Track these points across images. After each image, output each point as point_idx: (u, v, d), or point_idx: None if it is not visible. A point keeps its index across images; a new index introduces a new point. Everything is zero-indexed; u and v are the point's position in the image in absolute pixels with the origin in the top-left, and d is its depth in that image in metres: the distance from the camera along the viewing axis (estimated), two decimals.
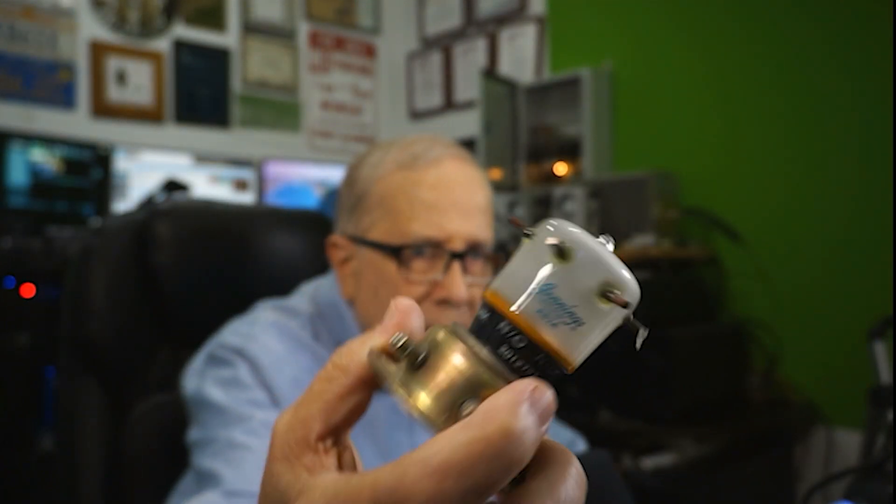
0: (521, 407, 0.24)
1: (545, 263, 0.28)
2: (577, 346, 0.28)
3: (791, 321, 2.07)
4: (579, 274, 0.27)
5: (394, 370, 0.29)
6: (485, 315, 0.29)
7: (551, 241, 0.28)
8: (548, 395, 0.26)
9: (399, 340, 0.29)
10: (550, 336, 0.28)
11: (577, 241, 0.28)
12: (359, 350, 0.29)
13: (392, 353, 0.29)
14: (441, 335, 0.29)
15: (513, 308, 0.28)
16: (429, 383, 0.28)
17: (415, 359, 0.28)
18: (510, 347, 0.28)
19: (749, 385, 2.07)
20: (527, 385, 0.25)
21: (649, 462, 1.73)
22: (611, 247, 0.29)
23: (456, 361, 0.28)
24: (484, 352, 0.28)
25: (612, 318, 0.28)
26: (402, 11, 3.43)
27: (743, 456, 1.90)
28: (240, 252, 1.08)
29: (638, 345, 0.28)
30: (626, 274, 0.28)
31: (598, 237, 0.29)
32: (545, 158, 2.60)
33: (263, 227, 1.11)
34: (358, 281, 0.86)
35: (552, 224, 0.29)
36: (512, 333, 0.28)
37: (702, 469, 1.77)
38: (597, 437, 1.80)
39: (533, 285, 0.28)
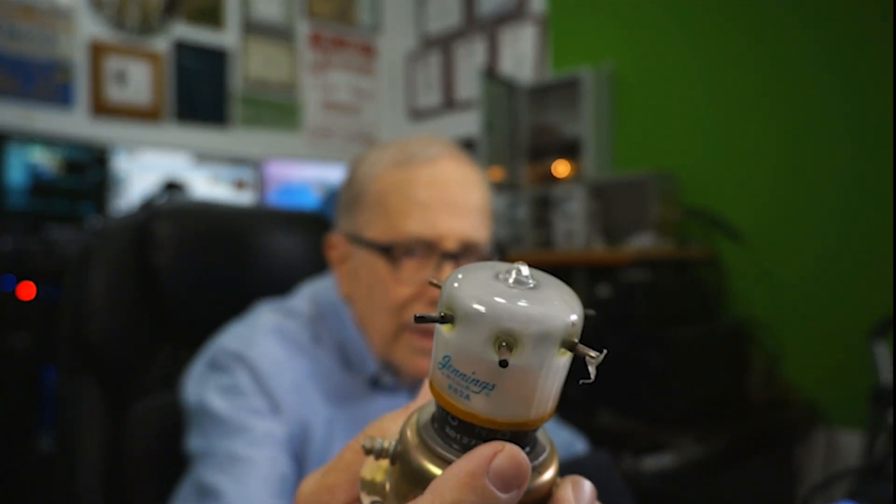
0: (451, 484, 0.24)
1: (441, 334, 0.26)
2: (513, 407, 0.26)
3: (791, 321, 2.07)
4: (466, 337, 0.25)
5: (370, 478, 0.29)
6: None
7: (440, 306, 0.25)
8: (502, 461, 0.24)
9: (369, 445, 0.29)
10: (470, 408, 0.26)
11: (454, 302, 0.25)
12: (390, 427, 0.29)
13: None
14: (409, 433, 0.28)
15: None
16: (394, 489, 0.28)
17: (388, 458, 0.29)
18: (451, 427, 0.27)
19: (749, 385, 2.07)
20: (473, 457, 0.25)
21: (649, 462, 1.73)
22: (525, 270, 0.26)
23: (411, 458, 0.27)
24: (431, 443, 0.27)
25: (541, 362, 0.25)
26: (402, 10, 3.42)
27: (743, 456, 1.89)
28: (240, 252, 1.08)
29: (591, 374, 0.25)
30: (518, 312, 0.24)
31: (512, 267, 0.26)
32: (545, 158, 2.60)
33: (263, 227, 1.11)
34: (354, 280, 0.86)
35: (448, 282, 0.26)
36: (445, 413, 0.27)
37: (702, 469, 1.77)
38: (597, 437, 1.80)
39: (437, 361, 0.26)
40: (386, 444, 0.29)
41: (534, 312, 0.24)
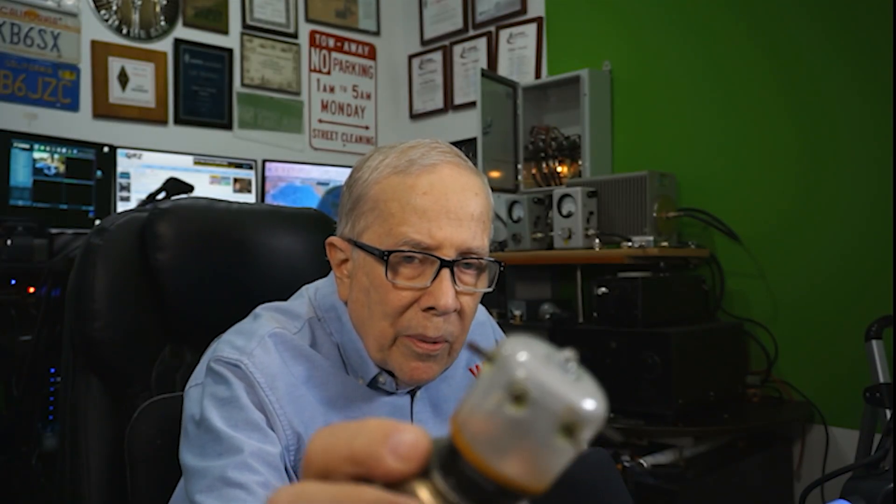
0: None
1: (503, 403, 0.27)
2: (501, 458, 0.27)
3: (789, 321, 2.08)
4: (537, 418, 0.27)
5: None
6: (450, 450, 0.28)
7: (506, 384, 0.27)
8: (409, 434, 0.27)
9: None
10: (463, 434, 0.27)
11: (533, 383, 0.27)
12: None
13: None
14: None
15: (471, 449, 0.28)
16: None
17: None
18: (450, 458, 0.28)
19: (747, 384, 2.08)
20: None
21: (649, 461, 1.74)
22: (571, 365, 0.28)
23: None
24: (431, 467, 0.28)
25: (568, 451, 0.27)
26: (403, 12, 3.44)
27: (741, 455, 1.90)
28: (241, 251, 1.08)
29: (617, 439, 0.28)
30: (586, 406, 0.27)
31: (561, 353, 0.28)
32: (545, 158, 2.61)
33: (265, 225, 1.12)
34: (353, 283, 0.86)
35: (510, 353, 0.27)
36: (448, 442, 0.28)
37: (700, 468, 1.78)
38: (597, 436, 1.81)
39: (486, 423, 0.27)
40: None
41: (594, 402, 0.28)
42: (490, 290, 0.86)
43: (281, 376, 0.82)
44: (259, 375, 0.80)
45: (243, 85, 3.00)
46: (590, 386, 0.29)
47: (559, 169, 2.59)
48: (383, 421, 0.28)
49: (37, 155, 2.27)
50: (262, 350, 0.82)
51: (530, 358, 0.27)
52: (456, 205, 0.81)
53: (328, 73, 3.28)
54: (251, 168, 2.85)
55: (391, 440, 0.27)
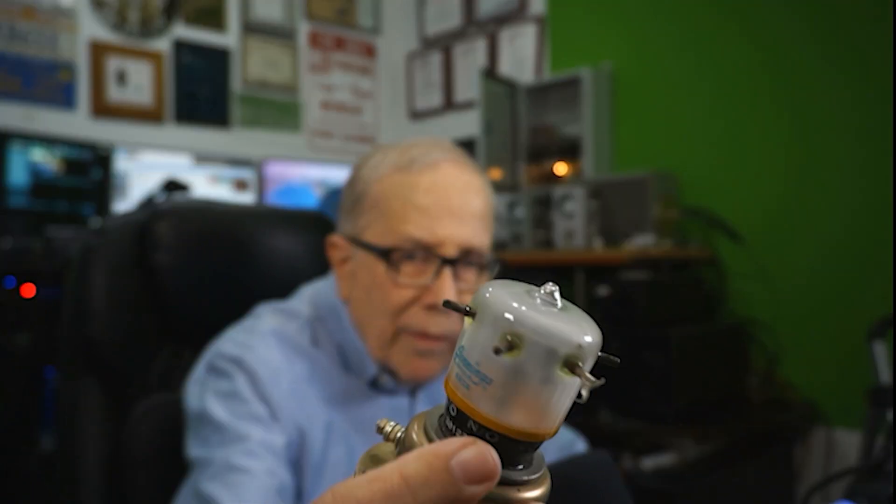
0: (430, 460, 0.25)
1: (464, 328, 0.28)
2: (506, 409, 0.26)
3: (791, 321, 2.08)
4: (479, 330, 0.27)
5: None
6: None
7: (470, 306, 0.28)
8: (470, 452, 0.25)
9: (382, 425, 0.31)
10: (467, 398, 0.27)
11: (480, 299, 0.27)
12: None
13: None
14: (416, 421, 0.30)
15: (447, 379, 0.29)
16: None
17: (396, 443, 0.30)
18: (450, 418, 0.28)
19: (749, 385, 2.07)
20: (445, 441, 0.25)
21: (649, 462, 1.73)
22: (555, 293, 0.28)
23: (408, 441, 0.29)
24: (430, 430, 0.29)
25: (540, 373, 0.26)
26: (402, 11, 3.43)
27: (743, 456, 1.90)
28: (240, 252, 1.08)
29: (584, 396, 0.27)
30: (531, 318, 0.26)
31: (541, 287, 0.28)
32: (545, 158, 2.60)
33: (264, 226, 1.12)
34: (353, 282, 0.86)
35: (482, 287, 0.28)
36: (449, 402, 0.28)
37: (702, 469, 1.77)
38: (597, 437, 1.80)
39: (454, 352, 0.28)
40: (397, 429, 0.30)
41: (545, 324, 0.26)
42: None
43: (283, 371, 0.81)
44: (262, 370, 0.80)
45: (242, 84, 3.00)
46: (579, 316, 0.28)
47: (559, 169, 2.59)
48: (418, 458, 0.25)
49: (34, 155, 2.26)
50: (264, 346, 0.82)
51: (497, 285, 0.27)
52: (457, 203, 0.81)
53: (328, 72, 3.27)
54: (250, 167, 2.85)
55: (456, 468, 0.24)
